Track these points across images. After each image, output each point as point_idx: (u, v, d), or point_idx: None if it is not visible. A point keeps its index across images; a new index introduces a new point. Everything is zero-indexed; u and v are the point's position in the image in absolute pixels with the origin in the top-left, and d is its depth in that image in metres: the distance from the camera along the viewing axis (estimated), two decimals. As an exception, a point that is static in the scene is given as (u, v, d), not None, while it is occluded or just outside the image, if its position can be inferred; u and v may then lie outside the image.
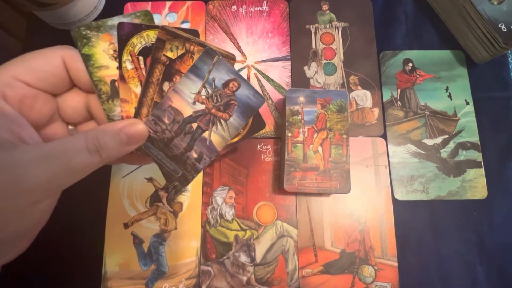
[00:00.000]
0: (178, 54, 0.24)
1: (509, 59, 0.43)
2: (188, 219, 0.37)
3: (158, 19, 0.43)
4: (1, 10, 0.44)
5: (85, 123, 0.26)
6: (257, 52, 0.43)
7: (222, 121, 0.25)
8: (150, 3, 0.44)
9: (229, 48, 0.43)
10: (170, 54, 0.24)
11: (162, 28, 0.24)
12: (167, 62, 0.24)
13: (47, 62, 0.22)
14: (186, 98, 0.24)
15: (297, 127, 0.36)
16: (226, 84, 0.24)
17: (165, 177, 0.25)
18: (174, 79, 0.24)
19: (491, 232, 0.37)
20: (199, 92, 0.24)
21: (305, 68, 0.42)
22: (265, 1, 0.44)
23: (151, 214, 0.38)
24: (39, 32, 0.43)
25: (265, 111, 0.41)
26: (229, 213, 0.38)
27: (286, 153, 0.35)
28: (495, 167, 0.39)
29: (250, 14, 0.44)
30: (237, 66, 0.42)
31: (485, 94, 0.41)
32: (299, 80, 0.42)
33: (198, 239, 0.37)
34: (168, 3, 0.44)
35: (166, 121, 0.24)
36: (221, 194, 0.38)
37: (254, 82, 0.42)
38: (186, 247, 0.37)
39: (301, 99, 0.36)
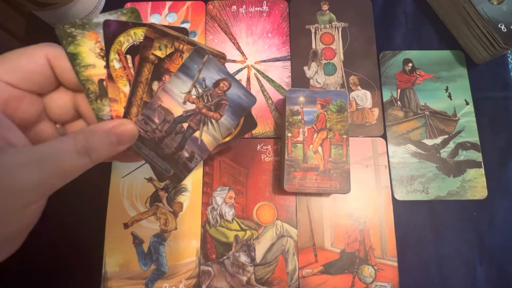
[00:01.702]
0: (167, 53, 0.24)
1: (509, 59, 0.43)
2: (188, 219, 0.37)
3: (158, 19, 0.44)
4: (1, 10, 0.44)
5: (74, 121, 0.25)
6: (257, 52, 0.43)
7: (213, 121, 0.25)
8: (150, 3, 0.44)
9: (229, 48, 0.43)
10: (158, 53, 0.23)
11: (150, 26, 0.23)
12: (156, 61, 0.24)
13: (30, 61, 0.21)
14: (176, 97, 0.24)
15: (297, 127, 0.36)
16: (216, 84, 0.24)
17: (157, 176, 0.25)
18: (164, 78, 0.24)
19: (491, 232, 0.37)
20: (189, 92, 0.24)
21: (305, 68, 0.42)
22: (265, 1, 0.44)
23: (151, 214, 0.38)
24: (39, 32, 0.43)
25: (265, 111, 0.41)
26: (229, 213, 0.38)
27: (286, 153, 0.35)
28: (495, 167, 0.39)
29: (250, 14, 0.44)
30: (237, 66, 0.42)
31: (485, 94, 0.41)
32: (299, 80, 0.42)
33: (198, 239, 0.37)
34: (168, 3, 0.44)
35: (157, 120, 0.24)
36: (221, 194, 0.38)
37: (254, 82, 0.42)
38: (186, 247, 0.37)
39: (301, 99, 0.36)
